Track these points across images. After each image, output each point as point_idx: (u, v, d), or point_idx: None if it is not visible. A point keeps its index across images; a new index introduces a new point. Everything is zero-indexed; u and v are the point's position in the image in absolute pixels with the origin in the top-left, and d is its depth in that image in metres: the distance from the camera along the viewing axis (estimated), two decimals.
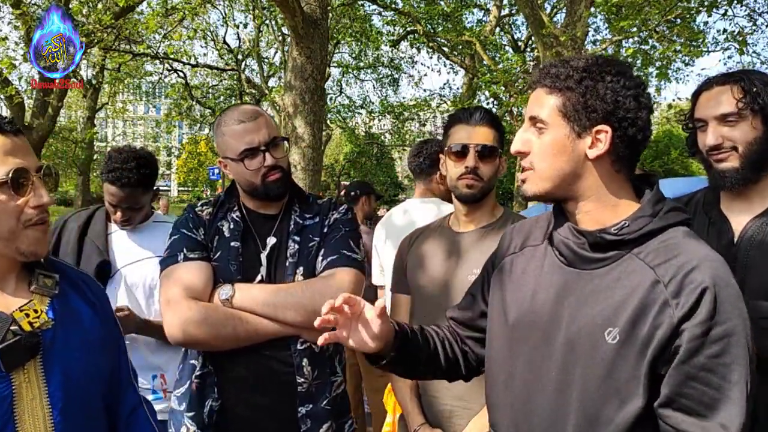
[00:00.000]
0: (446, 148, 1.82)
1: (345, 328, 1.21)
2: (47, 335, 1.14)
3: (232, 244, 1.69)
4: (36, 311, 1.15)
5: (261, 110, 1.76)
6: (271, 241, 1.71)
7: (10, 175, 1.08)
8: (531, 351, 1.17)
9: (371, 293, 3.73)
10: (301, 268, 1.68)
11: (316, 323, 1.16)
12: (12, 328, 1.10)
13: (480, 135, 1.77)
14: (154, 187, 2.32)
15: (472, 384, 1.71)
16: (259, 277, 1.67)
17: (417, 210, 2.82)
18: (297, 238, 1.71)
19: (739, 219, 1.55)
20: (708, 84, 1.60)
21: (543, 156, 1.13)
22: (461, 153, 1.76)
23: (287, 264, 1.69)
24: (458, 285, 1.72)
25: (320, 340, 1.17)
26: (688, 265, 1.02)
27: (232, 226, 1.72)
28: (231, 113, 1.73)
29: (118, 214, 2.21)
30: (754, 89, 1.49)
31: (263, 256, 1.69)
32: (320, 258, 1.69)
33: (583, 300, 1.10)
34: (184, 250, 1.67)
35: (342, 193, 4.58)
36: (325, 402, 1.67)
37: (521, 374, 1.18)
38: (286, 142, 1.76)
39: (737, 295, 1.02)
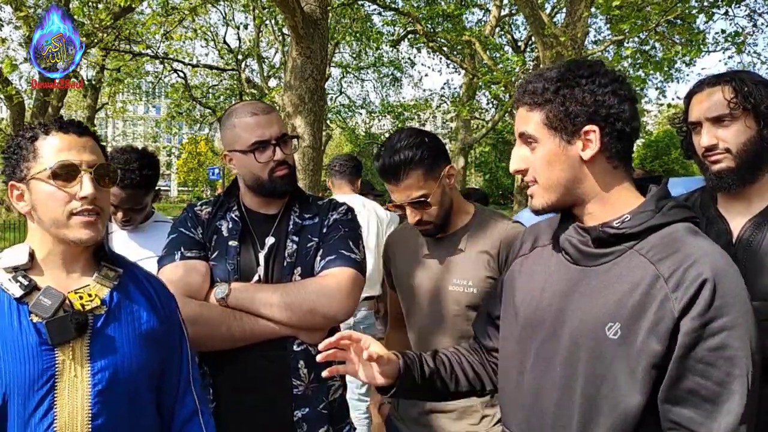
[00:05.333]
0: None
1: (352, 362, 1.29)
2: (98, 319, 1.23)
3: (230, 243, 1.68)
4: (90, 295, 1.25)
5: (273, 107, 1.77)
6: (270, 240, 1.70)
7: (55, 167, 1.20)
8: (539, 348, 1.19)
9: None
10: (299, 269, 1.67)
11: (319, 358, 1.25)
12: (63, 306, 1.19)
13: (406, 191, 1.69)
14: (156, 188, 2.32)
15: None
16: (256, 277, 1.66)
17: None
18: (295, 238, 1.70)
19: (737, 219, 1.54)
20: (699, 86, 1.60)
21: (541, 169, 1.16)
22: (402, 208, 1.74)
23: (285, 264, 1.67)
24: (431, 291, 1.75)
25: (325, 373, 1.26)
26: (688, 260, 1.03)
27: (230, 226, 1.71)
28: (244, 106, 1.73)
29: (120, 214, 2.20)
30: (746, 88, 1.49)
31: (261, 256, 1.68)
32: (318, 258, 1.68)
33: (587, 296, 1.12)
34: (182, 249, 1.66)
35: None
36: (321, 406, 1.66)
37: (530, 372, 1.20)
38: (295, 140, 1.76)
39: (739, 287, 1.02)
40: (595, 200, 1.15)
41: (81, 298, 1.23)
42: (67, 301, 1.21)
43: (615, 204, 1.15)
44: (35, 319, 1.18)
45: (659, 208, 1.11)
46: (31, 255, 1.25)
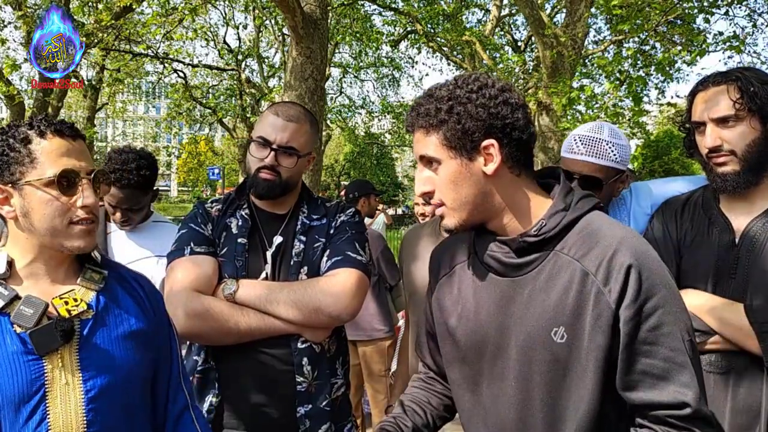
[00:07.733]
0: None
1: None
2: (85, 324, 1.19)
3: (239, 240, 1.71)
4: (75, 300, 1.19)
5: (305, 120, 1.74)
6: (278, 239, 1.72)
7: (58, 174, 1.15)
8: (489, 367, 1.19)
9: (378, 291, 3.73)
10: (306, 268, 1.69)
11: None
12: (48, 313, 1.15)
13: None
14: (154, 188, 2.32)
15: None
16: (263, 275, 1.68)
17: None
18: (303, 238, 1.73)
19: (740, 220, 1.52)
20: (704, 84, 1.56)
21: (447, 190, 1.15)
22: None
23: (292, 263, 1.70)
24: None
25: None
26: (609, 250, 1.06)
27: (240, 223, 1.74)
28: (282, 104, 1.77)
29: (118, 214, 2.21)
30: (752, 89, 1.45)
31: (269, 254, 1.71)
32: (325, 259, 1.71)
33: (524, 307, 1.13)
34: (191, 244, 1.68)
35: (342, 194, 4.61)
36: (324, 403, 1.68)
37: (486, 391, 1.20)
38: (301, 159, 1.73)
39: (659, 264, 1.07)
40: (507, 212, 1.16)
41: (66, 303, 1.18)
42: (51, 308, 1.16)
43: (527, 211, 1.15)
44: (19, 330, 1.12)
45: (568, 204, 1.14)
46: (10, 263, 1.19)
